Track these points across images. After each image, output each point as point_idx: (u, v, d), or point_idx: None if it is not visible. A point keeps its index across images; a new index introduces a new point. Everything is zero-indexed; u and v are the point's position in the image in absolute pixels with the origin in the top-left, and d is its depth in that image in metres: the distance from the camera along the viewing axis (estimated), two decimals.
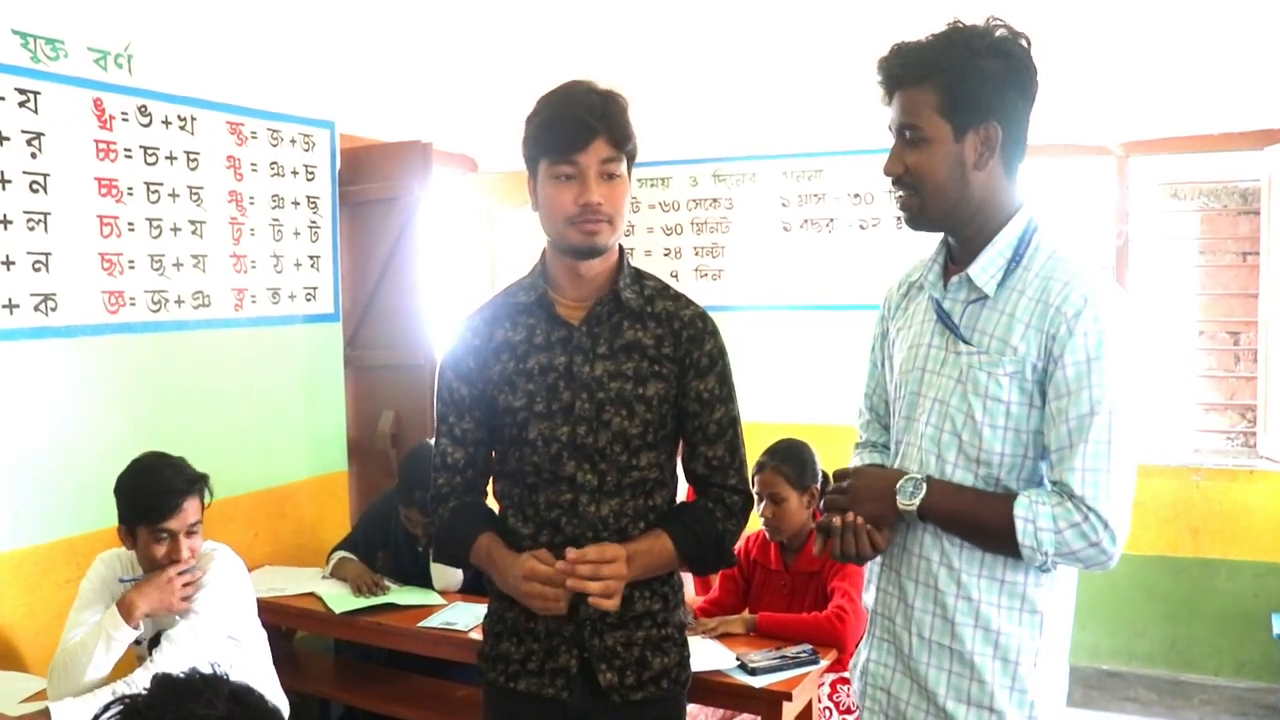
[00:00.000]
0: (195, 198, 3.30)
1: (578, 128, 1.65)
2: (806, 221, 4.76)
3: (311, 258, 3.79)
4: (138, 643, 2.39)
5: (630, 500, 1.74)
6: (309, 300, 3.78)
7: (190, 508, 2.33)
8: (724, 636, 2.70)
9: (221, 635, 2.36)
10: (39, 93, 2.82)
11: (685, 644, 1.86)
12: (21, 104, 2.78)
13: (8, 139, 2.74)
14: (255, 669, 2.45)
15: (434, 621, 2.88)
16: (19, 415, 2.81)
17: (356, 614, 2.98)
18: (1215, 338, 4.81)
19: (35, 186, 2.81)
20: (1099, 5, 4.09)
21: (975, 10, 1.57)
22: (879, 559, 1.64)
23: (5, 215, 2.74)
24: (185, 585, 2.31)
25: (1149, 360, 4.43)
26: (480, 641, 1.90)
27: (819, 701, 2.71)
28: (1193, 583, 4.20)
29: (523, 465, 1.75)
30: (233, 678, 1.04)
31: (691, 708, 2.65)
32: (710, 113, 4.83)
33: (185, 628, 2.30)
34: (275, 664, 2.58)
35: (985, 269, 1.53)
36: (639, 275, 1.82)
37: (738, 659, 2.53)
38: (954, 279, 1.58)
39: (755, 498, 2.75)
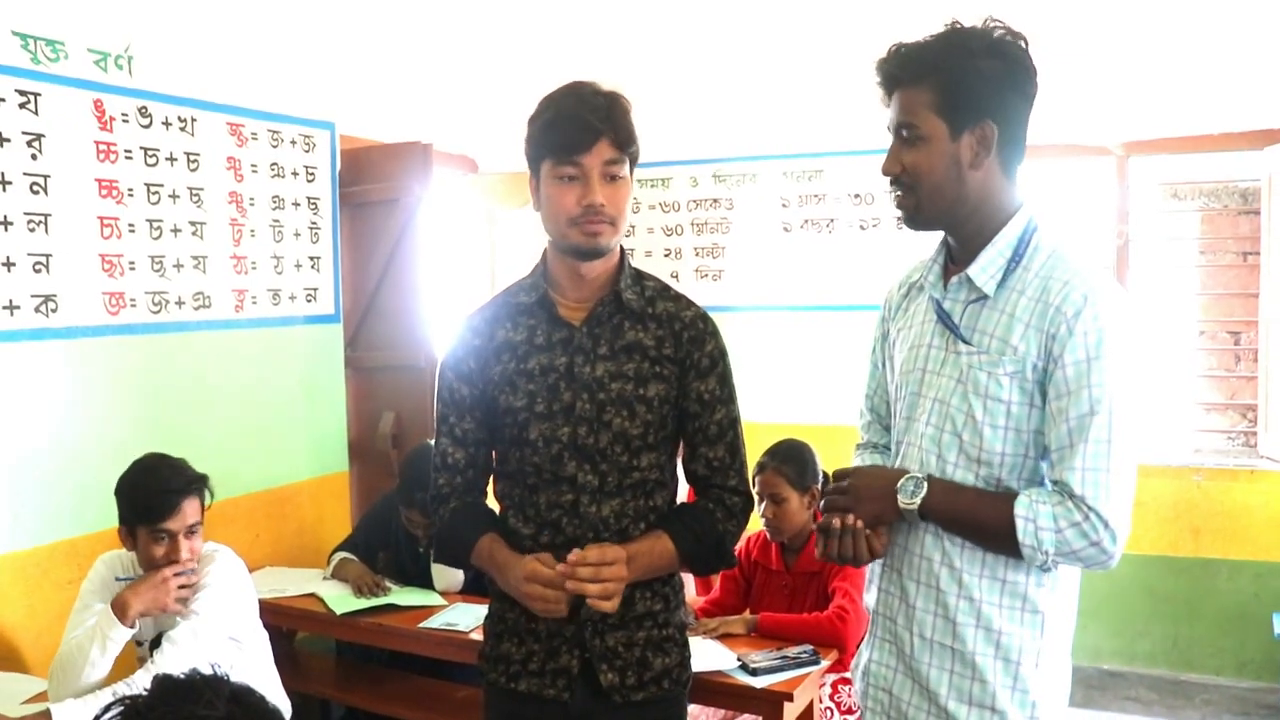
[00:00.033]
0: (196, 199, 3.31)
1: (582, 129, 1.65)
2: (807, 222, 4.76)
3: (312, 259, 3.79)
4: (139, 644, 2.40)
5: (631, 501, 1.74)
6: (309, 301, 3.78)
7: (189, 508, 2.32)
8: (725, 637, 2.69)
9: (223, 636, 2.36)
10: (39, 94, 2.82)
11: (686, 644, 1.86)
12: (22, 105, 2.78)
13: (8, 140, 2.74)
14: (257, 670, 2.45)
15: (435, 622, 2.88)
16: (20, 416, 2.81)
17: (357, 615, 2.98)
18: (1216, 337, 4.81)
19: (36, 188, 2.82)
20: (1099, 5, 4.09)
21: (976, 11, 1.57)
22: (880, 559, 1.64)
23: (6, 217, 2.74)
24: (182, 586, 2.31)
25: (1149, 360, 4.43)
26: (481, 642, 1.90)
27: (820, 702, 2.71)
28: (1194, 583, 4.20)
29: (523, 466, 1.75)
30: (234, 678, 1.04)
31: (693, 708, 2.65)
32: (710, 113, 4.83)
33: (186, 629, 2.30)
34: (276, 665, 2.58)
35: (985, 269, 1.53)
36: (640, 276, 1.82)
37: (739, 659, 2.53)
38: (954, 279, 1.58)
39: (756, 498, 2.75)
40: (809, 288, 4.76)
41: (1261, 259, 4.29)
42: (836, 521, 1.57)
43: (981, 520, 1.49)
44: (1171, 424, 4.67)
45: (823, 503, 1.65)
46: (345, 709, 3.39)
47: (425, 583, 3.18)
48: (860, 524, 1.56)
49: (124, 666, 2.31)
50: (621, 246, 1.78)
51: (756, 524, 2.80)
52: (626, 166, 1.70)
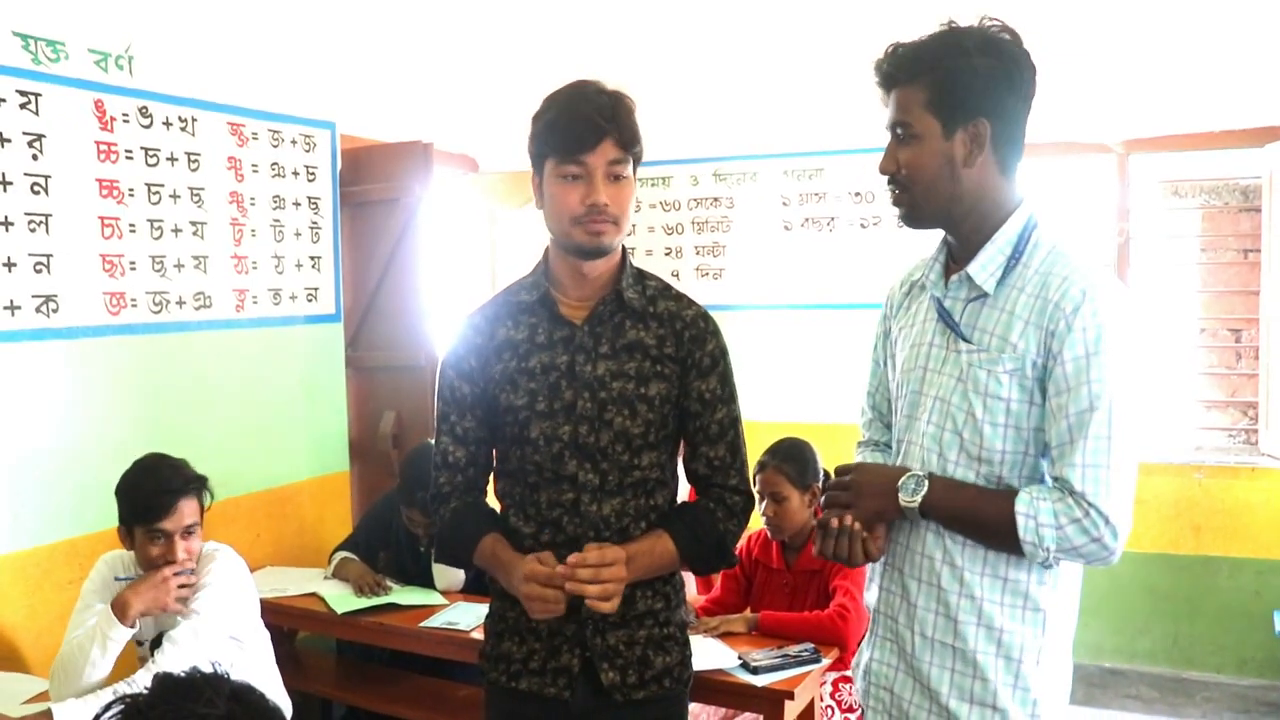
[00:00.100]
0: (196, 199, 3.31)
1: (587, 128, 1.64)
2: (807, 220, 4.77)
3: (313, 258, 3.79)
4: (139, 644, 2.40)
5: (631, 500, 1.74)
6: (310, 301, 3.78)
7: (186, 508, 2.32)
8: (726, 635, 2.70)
9: (223, 636, 2.36)
10: (40, 94, 2.82)
11: (687, 643, 1.86)
12: (23, 106, 2.78)
13: (9, 141, 2.74)
14: (258, 669, 2.45)
15: (436, 621, 2.88)
16: (20, 416, 2.81)
17: (358, 614, 2.98)
18: (1217, 335, 4.80)
19: (36, 188, 2.82)
20: (1099, 3, 4.08)
21: (977, 9, 1.57)
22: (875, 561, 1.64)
23: (6, 217, 2.75)
24: (182, 586, 2.31)
25: (1150, 356, 4.42)
26: (482, 641, 1.90)
27: (821, 700, 2.71)
28: (1195, 580, 4.20)
29: (524, 464, 1.75)
30: (234, 677, 1.04)
31: (693, 707, 2.65)
32: (711, 112, 4.83)
33: (187, 628, 2.30)
34: (277, 664, 2.58)
35: (985, 267, 1.53)
36: (641, 275, 1.82)
37: (740, 658, 2.53)
38: (954, 277, 1.58)
39: (756, 497, 2.75)
40: (809, 286, 4.76)
41: (1262, 256, 4.29)
42: (834, 522, 1.57)
43: (982, 518, 1.49)
44: (1172, 421, 4.67)
45: (824, 498, 1.65)
46: (346, 708, 3.39)
47: (426, 582, 3.18)
48: (857, 526, 1.56)
49: (125, 666, 2.31)
50: (623, 245, 1.79)
51: (757, 522, 2.80)
52: (630, 166, 1.70)
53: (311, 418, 3.79)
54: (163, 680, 1.01)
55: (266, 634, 2.57)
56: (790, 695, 2.41)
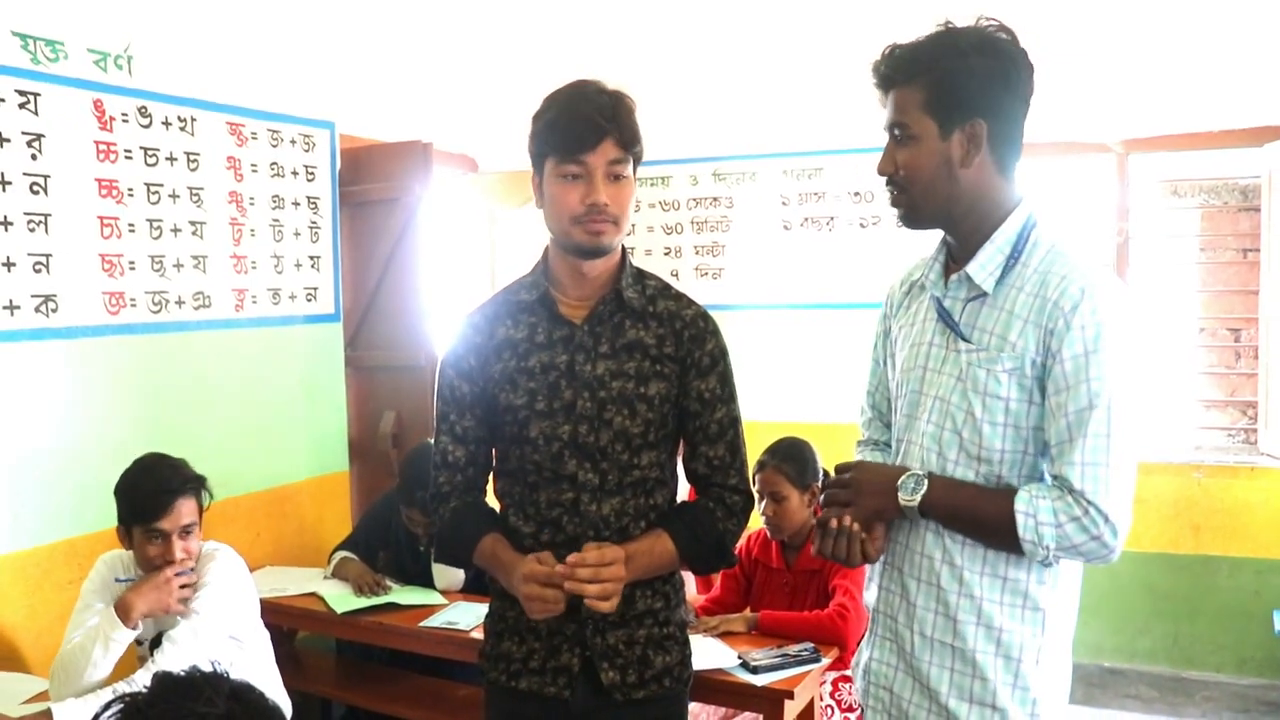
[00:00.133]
0: (195, 198, 3.31)
1: (587, 128, 1.64)
2: (807, 220, 4.76)
3: (312, 258, 3.79)
4: (139, 643, 2.40)
5: (631, 499, 1.74)
6: (309, 301, 3.78)
7: (184, 508, 2.31)
8: (726, 635, 2.70)
9: (223, 635, 2.36)
10: (39, 94, 2.82)
11: (687, 642, 1.86)
12: (22, 105, 2.78)
13: (8, 140, 2.74)
14: (258, 669, 2.45)
15: (435, 621, 2.88)
16: (20, 416, 2.81)
17: (358, 614, 2.98)
18: (1216, 334, 4.80)
19: (36, 188, 2.82)
20: (1099, 3, 4.08)
21: (977, 9, 1.57)
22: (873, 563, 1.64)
23: (6, 217, 2.74)
24: (183, 586, 2.31)
25: (1150, 356, 4.43)
26: (482, 641, 1.90)
27: (821, 700, 2.71)
28: (1194, 580, 4.20)
29: (523, 464, 1.75)
30: (233, 677, 1.04)
31: (693, 706, 2.64)
32: (710, 112, 4.83)
33: (186, 628, 2.30)
34: (277, 664, 2.58)
35: (984, 266, 1.53)
36: (641, 275, 1.82)
37: (739, 657, 2.53)
38: (954, 277, 1.58)
39: (756, 496, 2.75)
40: (809, 286, 4.76)
41: (1262, 256, 4.29)
42: (834, 523, 1.57)
43: (982, 516, 1.49)
44: (1172, 421, 4.67)
45: (823, 496, 1.65)
46: (346, 708, 3.39)
47: (426, 581, 3.18)
48: (856, 527, 1.56)
49: (125, 666, 2.31)
50: (623, 245, 1.78)
51: (757, 522, 2.80)
52: (630, 166, 1.70)
53: (311, 417, 3.79)
54: (162, 679, 1.01)
55: (266, 634, 2.57)
56: (790, 695, 2.41)
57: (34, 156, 2.81)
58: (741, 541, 2.79)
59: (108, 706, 0.99)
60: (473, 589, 3.16)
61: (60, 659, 2.26)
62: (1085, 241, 4.35)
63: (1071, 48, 4.00)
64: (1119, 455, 1.42)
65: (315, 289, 3.80)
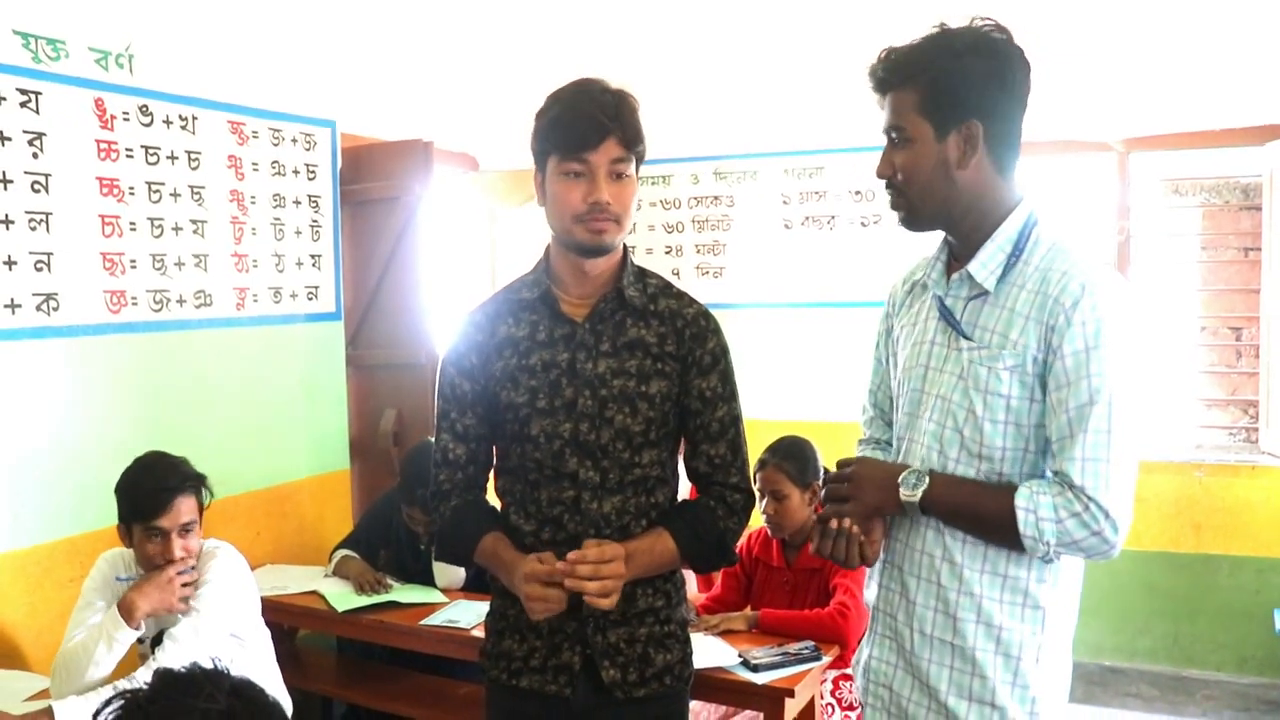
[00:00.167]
0: (197, 197, 3.31)
1: (590, 126, 1.64)
2: (808, 219, 4.76)
3: (313, 257, 3.79)
4: (140, 641, 2.40)
5: (632, 497, 1.74)
6: (310, 299, 3.78)
7: (183, 506, 2.31)
8: (726, 633, 2.70)
9: (224, 633, 2.36)
10: (40, 93, 2.82)
11: (688, 641, 1.86)
12: (23, 104, 2.78)
13: (9, 139, 2.75)
14: (259, 667, 2.45)
15: (436, 619, 2.88)
16: (21, 415, 2.81)
17: (359, 612, 2.98)
18: (1217, 333, 4.80)
19: (37, 186, 2.82)
20: (1099, 3, 4.08)
21: (975, 9, 1.57)
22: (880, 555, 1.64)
23: (7, 215, 2.75)
24: (185, 585, 2.31)
25: (1151, 354, 4.42)
26: (482, 639, 1.90)
27: (821, 698, 2.71)
28: (1195, 579, 4.20)
29: (524, 462, 1.75)
30: (234, 673, 1.04)
31: (694, 704, 2.64)
32: (711, 110, 4.83)
33: (187, 626, 2.30)
34: (278, 662, 2.58)
35: (985, 264, 1.53)
36: (642, 273, 1.82)
37: (740, 656, 2.53)
38: (955, 276, 1.58)
39: (757, 495, 2.75)
40: (810, 285, 4.76)
41: (1263, 254, 4.29)
42: (834, 524, 1.58)
43: (982, 512, 1.49)
44: (1173, 420, 4.67)
45: (824, 492, 1.65)
46: (347, 706, 3.40)
47: (426, 580, 3.18)
48: (855, 529, 1.56)
49: (126, 663, 2.31)
50: (624, 244, 1.78)
51: (758, 520, 2.80)
52: (633, 165, 1.70)
53: (312, 416, 3.79)
54: (163, 675, 1.01)
55: (267, 632, 2.57)
56: (790, 693, 2.41)
57: (35, 155, 2.81)
58: (742, 540, 2.78)
59: (109, 703, 0.99)
60: (473, 587, 3.16)
61: (62, 657, 2.26)
62: (1086, 240, 4.35)
63: (1072, 46, 3.99)
64: (1119, 451, 1.42)
65: (316, 288, 3.81)
